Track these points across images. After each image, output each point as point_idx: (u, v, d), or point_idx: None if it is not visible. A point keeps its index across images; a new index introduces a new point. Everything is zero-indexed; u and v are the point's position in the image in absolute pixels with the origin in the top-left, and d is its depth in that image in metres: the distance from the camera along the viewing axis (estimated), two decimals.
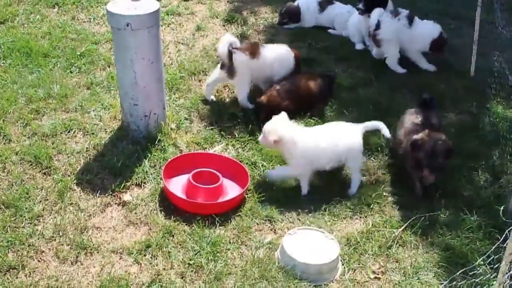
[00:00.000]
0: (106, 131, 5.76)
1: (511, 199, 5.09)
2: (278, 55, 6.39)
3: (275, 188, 5.25)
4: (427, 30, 7.07)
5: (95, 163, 5.39)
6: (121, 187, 5.14)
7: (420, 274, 4.61)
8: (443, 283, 4.43)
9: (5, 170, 5.22)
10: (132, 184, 5.22)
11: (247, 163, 5.48)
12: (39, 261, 4.49)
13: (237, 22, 7.82)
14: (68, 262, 4.49)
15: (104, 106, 6.06)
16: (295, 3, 7.98)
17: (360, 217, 5.12)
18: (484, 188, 5.46)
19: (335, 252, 4.58)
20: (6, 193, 4.97)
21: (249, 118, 6.04)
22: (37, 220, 4.80)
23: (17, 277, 4.33)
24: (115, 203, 5.04)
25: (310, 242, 4.69)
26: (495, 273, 4.01)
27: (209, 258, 4.56)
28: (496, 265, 3.78)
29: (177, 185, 5.18)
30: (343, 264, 4.65)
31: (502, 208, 5.02)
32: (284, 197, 5.19)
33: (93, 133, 5.71)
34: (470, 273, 4.38)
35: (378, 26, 7.02)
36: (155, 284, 4.34)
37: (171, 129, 5.76)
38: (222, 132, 5.87)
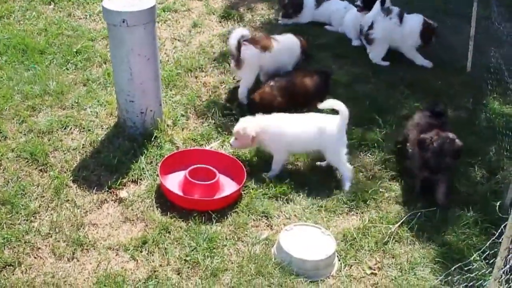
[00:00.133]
0: (102, 128, 5.75)
1: (508, 195, 5.09)
2: (287, 45, 6.46)
3: (272, 184, 5.25)
4: (413, 24, 7.08)
5: (91, 160, 5.38)
6: (118, 183, 5.14)
7: (416, 269, 4.62)
8: (439, 278, 4.44)
9: (1, 167, 5.22)
10: (129, 181, 5.22)
11: (243, 160, 5.47)
12: (35, 257, 4.49)
13: (234, 19, 7.81)
14: (65, 259, 4.49)
15: (100, 103, 6.05)
16: None
17: (357, 213, 5.12)
18: (481, 184, 5.47)
19: (332, 248, 4.59)
20: (2, 190, 4.96)
21: (246, 114, 6.01)
22: (33, 216, 4.80)
23: (13, 274, 4.33)
24: (112, 200, 5.04)
25: (306, 238, 4.69)
26: (491, 268, 4.02)
27: (206, 254, 4.56)
28: (492, 260, 3.78)
29: (174, 182, 5.18)
30: (339, 260, 4.66)
31: (498, 203, 5.04)
32: (281, 194, 5.19)
33: (89, 130, 5.71)
34: (466, 268, 4.40)
35: (371, 26, 7.03)
36: (151, 280, 4.34)
37: (168, 125, 5.76)
38: (219, 129, 5.87)
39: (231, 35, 6.17)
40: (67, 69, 6.59)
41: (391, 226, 4.96)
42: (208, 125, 5.95)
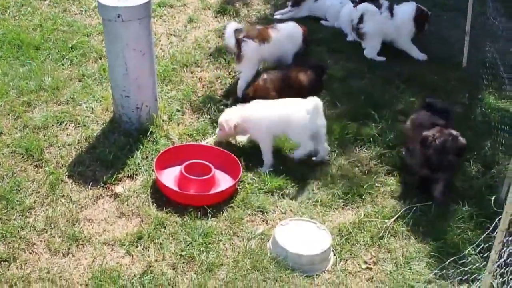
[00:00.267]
0: (98, 123, 5.74)
1: (503, 189, 5.10)
2: (287, 33, 6.48)
3: (267, 179, 5.25)
4: (406, 12, 7.06)
5: (86, 155, 5.38)
6: (113, 179, 5.14)
7: (411, 264, 4.63)
8: (433, 272, 4.45)
9: None
10: (124, 176, 5.21)
11: (239, 155, 5.46)
12: (30, 253, 4.49)
13: (230, 14, 7.79)
14: (60, 254, 4.49)
15: (96, 98, 6.04)
16: None
17: (352, 208, 5.13)
18: (476, 179, 5.48)
19: (327, 243, 4.59)
20: None
21: None
22: (28, 212, 4.79)
23: (8, 269, 4.33)
24: (107, 195, 5.04)
25: (302, 232, 4.70)
26: (485, 262, 4.03)
27: (201, 249, 4.56)
28: (486, 254, 3.80)
29: (169, 177, 5.17)
30: (335, 255, 4.66)
31: (493, 198, 5.05)
32: (276, 188, 5.19)
33: (84, 125, 5.70)
34: (460, 262, 4.41)
35: (361, 20, 7.02)
36: (147, 275, 4.34)
37: (163, 120, 5.75)
38: (214, 124, 5.85)
39: (225, 32, 6.20)
40: (63, 64, 6.57)
41: (386, 220, 4.96)
42: (204, 120, 5.95)
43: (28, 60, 6.54)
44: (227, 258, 4.54)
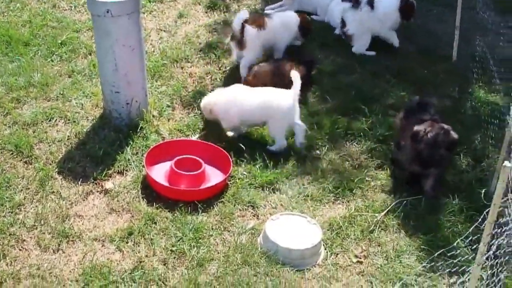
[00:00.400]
0: (87, 119, 5.72)
1: (493, 183, 5.12)
2: (281, 21, 6.61)
3: (258, 174, 5.25)
4: (390, 3, 7.04)
5: (76, 151, 5.36)
6: (103, 175, 5.13)
7: (402, 257, 4.65)
8: (423, 264, 4.47)
9: None
10: (114, 172, 5.20)
11: (229, 150, 5.45)
12: (20, 250, 4.48)
13: (220, 9, 7.76)
14: (50, 251, 4.48)
15: (86, 94, 6.02)
16: None
17: (343, 202, 5.14)
18: (466, 172, 5.50)
19: (318, 237, 4.60)
20: None
21: None
22: (18, 209, 4.77)
23: None
24: (97, 191, 5.03)
25: (292, 227, 4.70)
26: (474, 254, 4.05)
27: (192, 244, 4.56)
28: (475, 246, 3.81)
29: (160, 172, 5.17)
30: (325, 249, 4.67)
31: (483, 191, 5.07)
32: (267, 183, 5.19)
33: (74, 121, 5.68)
34: (449, 254, 4.43)
35: (343, 23, 7.04)
36: (137, 271, 4.34)
37: (153, 116, 5.74)
38: (204, 119, 5.84)
39: (235, 18, 6.36)
40: (52, 60, 6.54)
41: (377, 214, 4.98)
42: (194, 115, 5.94)
43: (17, 56, 6.50)
44: (218, 253, 4.54)
